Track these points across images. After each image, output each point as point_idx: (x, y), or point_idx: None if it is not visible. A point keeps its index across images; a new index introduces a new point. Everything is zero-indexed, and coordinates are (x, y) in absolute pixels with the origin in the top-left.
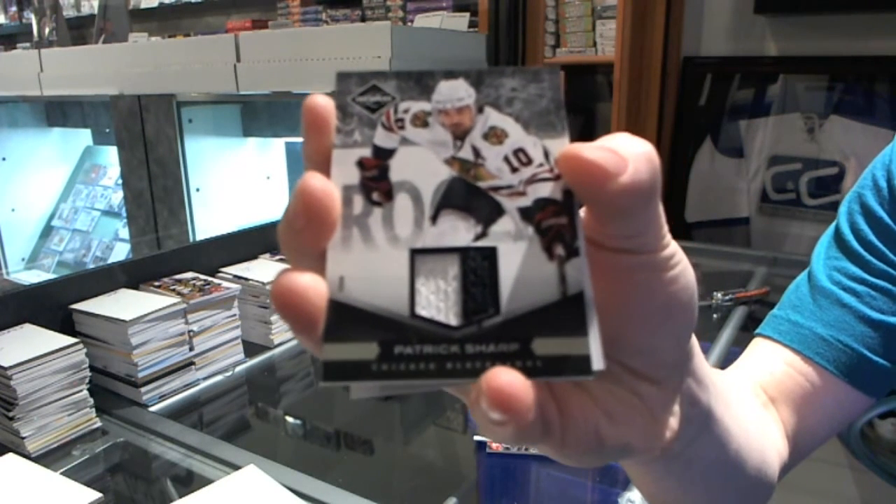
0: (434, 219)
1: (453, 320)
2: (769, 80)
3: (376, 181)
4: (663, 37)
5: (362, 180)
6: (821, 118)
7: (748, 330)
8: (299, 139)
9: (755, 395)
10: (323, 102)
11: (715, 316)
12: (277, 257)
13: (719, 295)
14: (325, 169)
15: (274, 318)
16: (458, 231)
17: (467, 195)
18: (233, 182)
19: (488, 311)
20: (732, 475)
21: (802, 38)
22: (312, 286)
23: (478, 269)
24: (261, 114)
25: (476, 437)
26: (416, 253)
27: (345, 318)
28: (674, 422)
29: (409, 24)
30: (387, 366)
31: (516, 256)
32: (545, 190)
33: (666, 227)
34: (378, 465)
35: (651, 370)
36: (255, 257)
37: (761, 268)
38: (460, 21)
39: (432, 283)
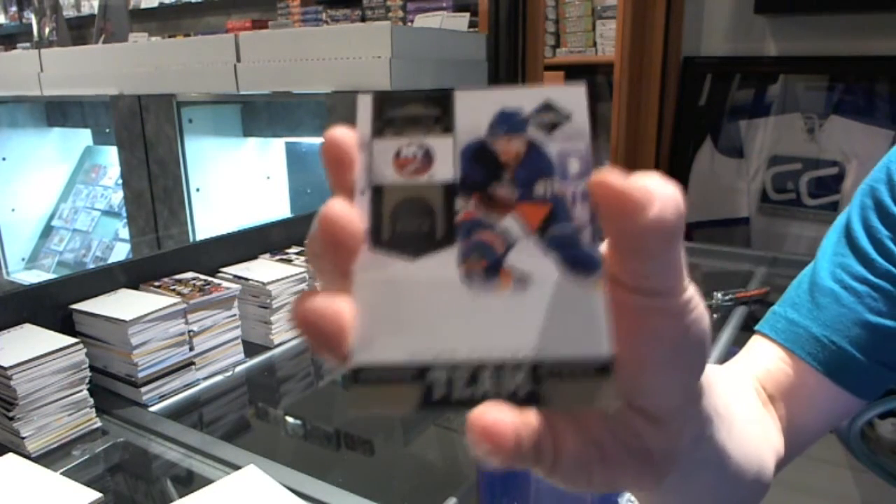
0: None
1: None
2: (769, 80)
3: None
4: (663, 37)
5: None
6: (821, 118)
7: (748, 330)
8: (299, 139)
9: (755, 392)
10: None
11: (715, 316)
12: (277, 257)
13: (719, 295)
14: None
15: (274, 318)
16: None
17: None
18: (233, 182)
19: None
20: (730, 490)
21: (802, 38)
22: (331, 308)
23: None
24: (261, 114)
25: None
26: None
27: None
28: (669, 466)
29: (409, 24)
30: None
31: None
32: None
33: (685, 275)
34: (378, 465)
35: (653, 410)
36: (255, 257)
37: (761, 268)
38: (460, 21)
39: None
